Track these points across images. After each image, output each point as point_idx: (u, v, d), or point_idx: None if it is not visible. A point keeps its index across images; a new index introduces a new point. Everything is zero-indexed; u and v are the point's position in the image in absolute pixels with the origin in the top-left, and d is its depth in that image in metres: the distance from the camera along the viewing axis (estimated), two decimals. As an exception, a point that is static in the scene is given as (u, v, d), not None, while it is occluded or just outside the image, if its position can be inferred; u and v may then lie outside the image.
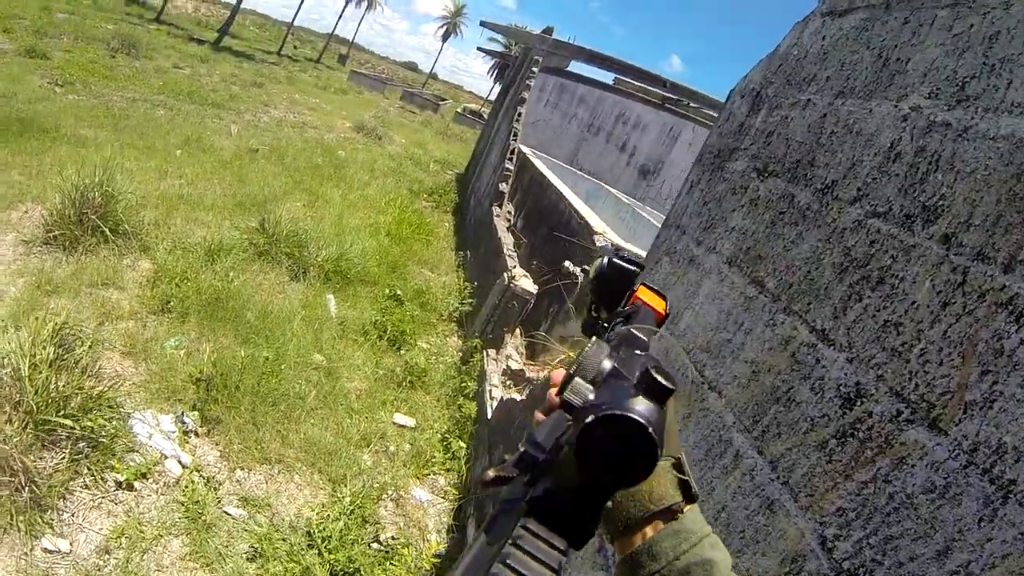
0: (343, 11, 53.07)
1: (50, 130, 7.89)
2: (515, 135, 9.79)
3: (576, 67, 14.64)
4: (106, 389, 3.50)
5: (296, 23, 48.37)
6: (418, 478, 4.31)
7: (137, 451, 3.42)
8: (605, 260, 0.93)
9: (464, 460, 4.52)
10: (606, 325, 0.89)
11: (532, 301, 5.97)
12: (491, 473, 0.49)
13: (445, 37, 72.62)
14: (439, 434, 4.79)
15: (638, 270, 0.94)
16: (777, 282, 2.02)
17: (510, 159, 9.34)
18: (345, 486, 3.84)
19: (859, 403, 1.75)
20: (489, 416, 4.60)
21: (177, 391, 3.95)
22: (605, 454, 0.45)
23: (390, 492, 4.00)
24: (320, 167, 10.74)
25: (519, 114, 10.23)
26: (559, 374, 0.66)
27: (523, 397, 4.13)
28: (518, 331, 6.42)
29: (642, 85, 14.66)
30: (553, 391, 0.64)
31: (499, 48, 46.95)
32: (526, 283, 5.85)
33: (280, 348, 4.63)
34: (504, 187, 8.94)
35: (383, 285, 6.75)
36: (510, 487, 0.49)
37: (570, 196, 8.94)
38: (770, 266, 2.06)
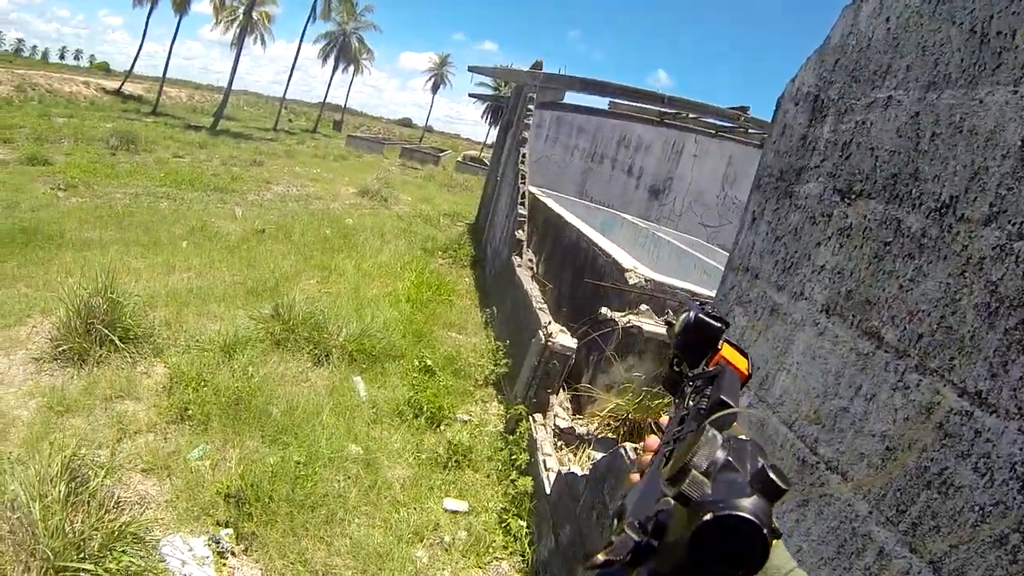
0: (331, 79, 54.08)
1: (54, 236, 7.76)
2: (522, 177, 9.55)
3: (571, 97, 14.53)
4: (129, 520, 3.18)
5: (288, 96, 49.39)
6: (480, 568, 3.91)
7: (170, 584, 3.08)
8: (692, 315, 0.92)
9: (527, 540, 4.11)
10: (689, 382, 0.87)
11: (573, 357, 5.60)
12: (601, 557, 0.51)
13: (434, 89, 73.91)
14: (495, 514, 4.39)
15: (724, 327, 0.92)
16: (899, 333, 1.65)
17: (521, 203, 9.08)
18: (404, 590, 3.47)
19: (1045, 485, 1.37)
20: (548, 491, 4.20)
21: (207, 508, 3.62)
22: (719, 551, 0.45)
23: (452, 590, 3.60)
24: (329, 239, 10.52)
25: (523, 155, 10.01)
26: (653, 441, 0.78)
27: (585, 472, 3.74)
28: (561, 389, 6.05)
29: (639, 105, 14.47)
30: (646, 458, 0.74)
31: (489, 91, 47.62)
32: (564, 339, 5.49)
33: (311, 445, 4.28)
34: (521, 234, 8.65)
35: (411, 357, 6.41)
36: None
37: (591, 233, 8.65)
38: (885, 313, 1.69)
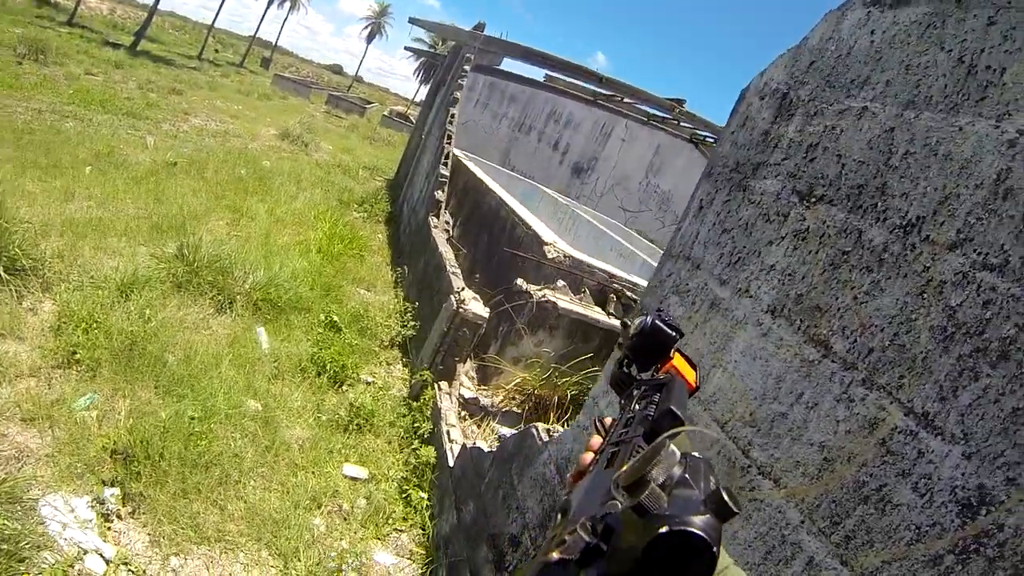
0: (265, 13, 50.67)
1: (-61, 151, 6.86)
2: (449, 138, 9.26)
3: (508, 65, 14.26)
4: (3, 477, 2.86)
5: (217, 25, 46.01)
6: (379, 539, 3.78)
7: (50, 548, 2.75)
8: (648, 320, 0.93)
9: (428, 513, 4.01)
10: (637, 386, 0.88)
11: (484, 326, 5.49)
12: (556, 555, 0.51)
13: (370, 38, 71.09)
14: (395, 483, 4.26)
15: (678, 336, 0.94)
16: (849, 344, 1.62)
17: (444, 164, 8.81)
18: (299, 560, 3.29)
19: (984, 511, 1.39)
20: (451, 464, 4.10)
21: (91, 465, 3.27)
22: (670, 563, 0.47)
23: (350, 561, 3.45)
24: (244, 180, 9.85)
25: (452, 116, 9.70)
26: (596, 441, 0.81)
27: (491, 448, 3.66)
28: (469, 358, 5.94)
29: (575, 81, 14.39)
30: (588, 456, 0.77)
31: (426, 47, 46.24)
32: (476, 307, 5.37)
33: (208, 399, 3.98)
34: (440, 195, 8.40)
35: (318, 311, 6.10)
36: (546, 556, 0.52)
37: (512, 202, 8.53)
38: (835, 322, 1.67)
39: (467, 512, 3.55)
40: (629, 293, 6.68)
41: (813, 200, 1.82)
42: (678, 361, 0.92)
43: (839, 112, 1.81)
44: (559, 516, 0.61)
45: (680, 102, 13.34)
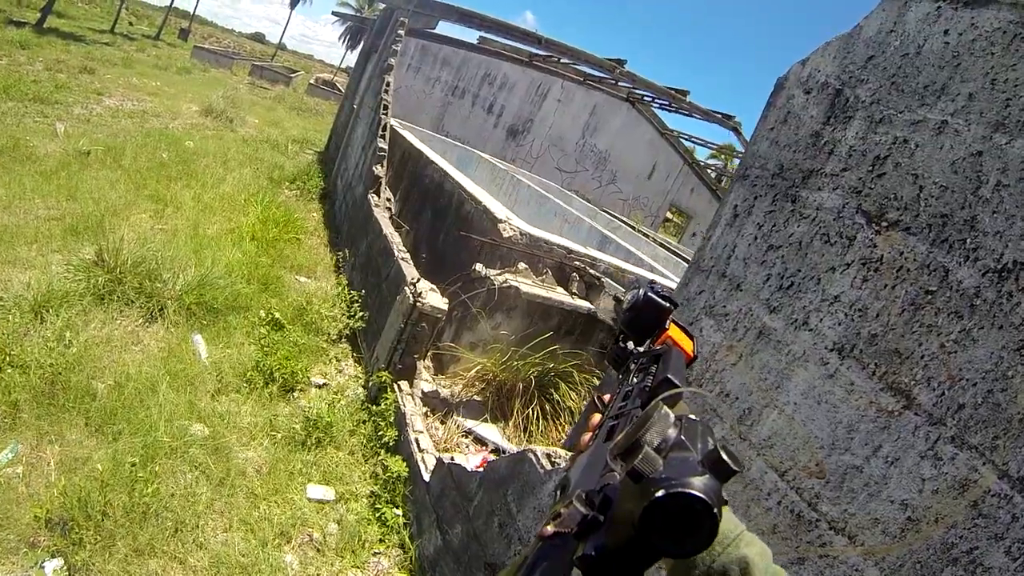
0: None
1: None
2: (385, 108, 8.67)
3: (443, 28, 13.59)
4: None
5: None
6: (358, 567, 3.47)
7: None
8: (641, 293, 0.94)
9: (406, 533, 3.73)
10: (633, 359, 0.90)
11: (444, 318, 5.16)
12: (550, 529, 0.51)
13: (293, 4, 66.94)
14: (365, 500, 3.94)
15: (672, 307, 0.94)
16: (935, 397, 1.43)
17: (382, 136, 8.25)
18: (275, 607, 2.96)
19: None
20: (426, 477, 3.81)
21: (26, 536, 2.78)
22: (669, 527, 0.46)
23: (332, 598, 3.15)
24: (166, 165, 8.95)
25: (387, 84, 9.07)
26: (597, 419, 0.77)
27: (476, 468, 3.38)
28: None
29: (511, 43, 13.87)
30: (587, 437, 0.73)
31: (352, 11, 44.10)
32: (435, 298, 5.00)
33: (147, 432, 3.50)
34: (379, 170, 7.88)
35: (257, 308, 5.59)
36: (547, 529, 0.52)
37: (458, 176, 8.12)
38: (919, 371, 1.47)
39: (454, 535, 3.28)
40: (591, 271, 6.46)
41: (885, 225, 1.58)
42: (674, 331, 0.91)
43: (912, 123, 1.57)
44: (558, 493, 0.61)
45: (621, 62, 13.07)
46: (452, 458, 3.70)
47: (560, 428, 6.01)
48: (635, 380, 0.81)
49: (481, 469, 3.28)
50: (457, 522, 3.30)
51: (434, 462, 3.92)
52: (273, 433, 4.12)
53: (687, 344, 0.90)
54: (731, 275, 1.95)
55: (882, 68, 1.68)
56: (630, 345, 0.96)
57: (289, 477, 3.81)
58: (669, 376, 0.71)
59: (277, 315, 5.56)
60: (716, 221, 2.03)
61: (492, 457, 5.20)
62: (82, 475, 3.10)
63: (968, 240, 1.43)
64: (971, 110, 1.47)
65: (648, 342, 0.92)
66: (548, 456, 2.67)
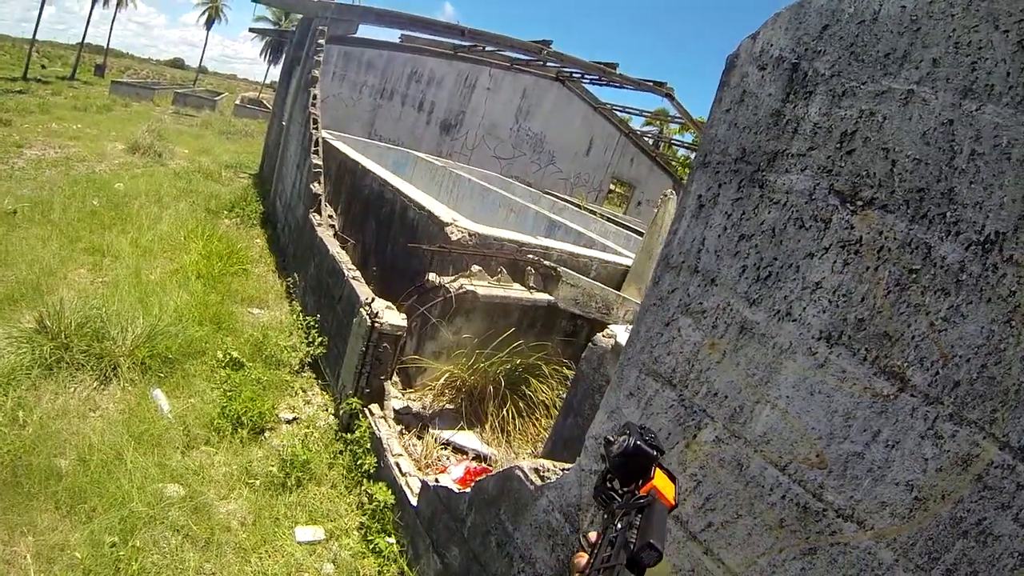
0: (91, 15, 44.18)
1: None
2: (315, 122, 8.40)
3: (364, 31, 13.26)
4: None
5: (39, 37, 39.77)
6: (362, 605, 3.37)
7: None
8: (631, 442, 0.99)
9: (404, 561, 3.64)
10: (618, 499, 0.97)
11: (404, 334, 5.03)
12: None
13: (209, 25, 64.53)
14: (355, 533, 3.83)
15: (660, 455, 1.00)
16: (930, 377, 1.42)
17: (315, 152, 7.99)
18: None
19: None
20: (414, 502, 3.71)
21: None
22: None
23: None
24: (98, 212, 8.52)
25: (314, 97, 8.79)
26: (582, 559, 0.88)
27: (463, 489, 3.29)
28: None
29: (434, 38, 13.63)
30: None
31: (270, 25, 42.89)
32: (392, 316, 4.87)
33: (121, 504, 3.32)
34: (317, 187, 7.65)
35: (213, 350, 5.36)
36: None
37: (397, 183, 7.96)
38: (911, 352, 1.47)
39: (452, 558, 3.21)
40: (546, 262, 6.41)
41: (860, 204, 1.55)
42: (659, 480, 0.96)
43: (877, 94, 1.53)
44: None
45: (546, 43, 13.00)
46: (436, 480, 3.62)
47: (537, 423, 5.99)
48: (619, 526, 0.86)
49: (468, 489, 3.20)
50: (453, 544, 3.22)
51: (419, 485, 3.83)
52: (251, 481, 3.96)
53: (670, 492, 0.94)
54: (704, 270, 1.90)
55: (839, 38, 1.64)
56: (616, 484, 1.01)
57: (275, 523, 3.67)
58: (652, 541, 0.77)
59: (235, 354, 5.37)
60: (680, 214, 1.98)
61: (475, 465, 5.13)
62: (61, 565, 2.93)
63: (948, 214, 1.41)
64: (937, 77, 1.44)
65: (634, 485, 0.96)
66: (536, 471, 2.61)
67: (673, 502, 0.94)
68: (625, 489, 0.98)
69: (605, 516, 0.95)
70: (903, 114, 1.49)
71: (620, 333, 3.54)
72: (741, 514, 1.76)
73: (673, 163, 22.36)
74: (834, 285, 1.59)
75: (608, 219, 13.46)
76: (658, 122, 27.50)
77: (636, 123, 21.21)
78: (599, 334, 3.65)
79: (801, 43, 1.73)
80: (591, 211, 13.88)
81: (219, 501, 3.73)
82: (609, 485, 1.02)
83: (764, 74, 1.79)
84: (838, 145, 1.60)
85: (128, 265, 6.71)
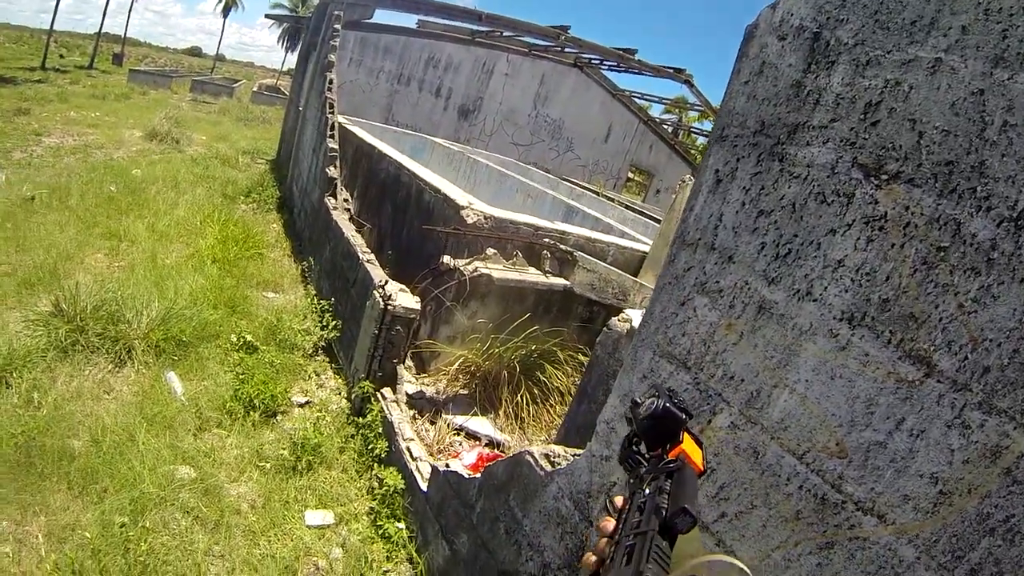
0: (107, 4, 44.24)
1: None
2: (331, 106, 8.37)
3: (380, 16, 13.19)
4: None
5: (57, 28, 39.99)
6: (369, 590, 3.35)
7: None
8: (660, 405, 0.95)
9: (412, 546, 3.61)
10: (645, 464, 0.94)
11: (418, 318, 4.99)
12: None
13: (225, 12, 64.59)
14: (365, 518, 3.81)
15: (688, 418, 0.96)
16: (958, 362, 1.34)
17: (331, 136, 7.97)
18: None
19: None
20: (424, 487, 3.68)
21: None
22: None
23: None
24: (115, 198, 8.52)
25: (330, 82, 8.76)
26: (608, 524, 0.83)
27: (474, 474, 3.24)
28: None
29: (450, 23, 13.53)
30: (603, 542, 0.80)
31: (287, 12, 42.95)
32: (405, 299, 4.83)
33: (133, 484, 3.33)
34: (333, 171, 7.62)
35: (227, 333, 5.37)
36: None
37: (413, 166, 7.90)
38: (938, 335, 1.38)
39: (461, 544, 3.17)
40: (562, 247, 6.33)
41: (885, 178, 1.46)
42: (688, 445, 0.93)
43: (903, 63, 1.44)
44: None
45: (564, 28, 12.84)
46: (447, 465, 3.58)
47: (551, 410, 5.93)
48: (647, 491, 0.83)
49: (478, 474, 3.16)
50: (462, 531, 3.19)
51: (429, 470, 3.80)
52: (262, 464, 3.96)
53: (698, 457, 0.92)
54: (721, 247, 1.82)
55: (862, 5, 1.55)
56: (642, 448, 0.98)
57: (285, 507, 3.66)
58: (686, 506, 0.74)
59: (249, 337, 5.37)
60: (697, 189, 1.89)
61: (488, 451, 5.09)
62: (72, 544, 2.93)
63: (978, 188, 1.33)
64: (966, 45, 1.35)
65: (661, 450, 0.93)
66: (547, 456, 2.56)
67: (702, 467, 0.92)
68: (651, 453, 0.96)
69: (631, 480, 0.93)
70: (930, 84, 1.40)
71: (636, 317, 3.47)
72: (756, 504, 1.69)
73: (692, 151, 22.05)
74: (857, 263, 1.51)
75: (626, 206, 13.33)
76: (677, 110, 27.14)
77: (655, 111, 21.00)
78: (614, 318, 3.58)
79: (823, 12, 1.64)
80: (609, 198, 13.75)
81: (230, 483, 3.73)
82: (635, 449, 0.99)
83: (784, 44, 1.70)
84: (862, 116, 1.52)
85: (144, 249, 6.73)
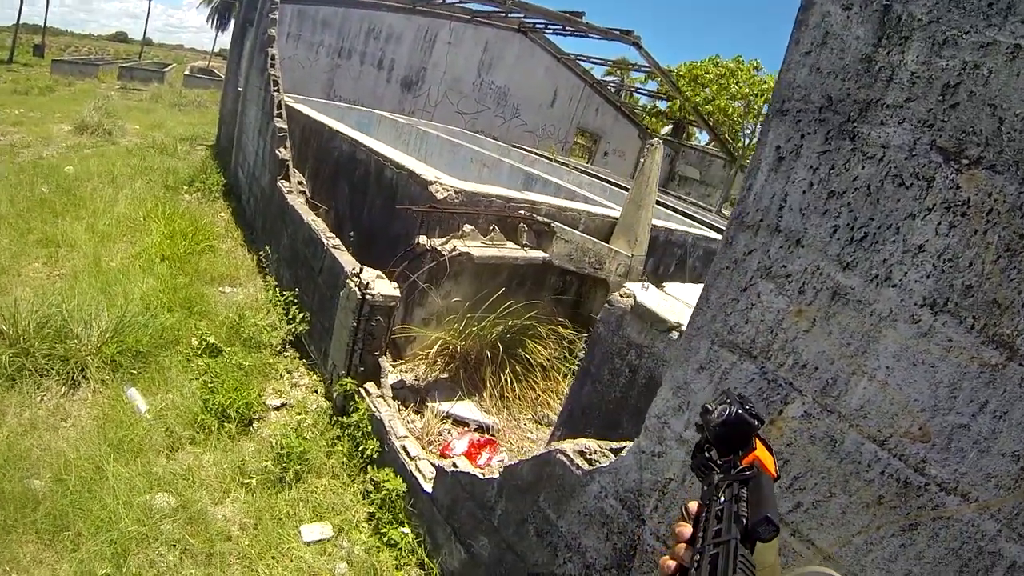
0: None
1: None
2: (275, 84, 7.87)
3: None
4: None
5: None
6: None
7: None
8: (733, 411, 0.96)
9: (423, 552, 3.45)
10: (718, 470, 0.92)
11: (398, 304, 4.74)
12: None
13: None
14: (366, 526, 3.62)
15: (760, 425, 0.97)
16: (1043, 347, 1.28)
17: (278, 115, 7.50)
18: None
19: None
20: (429, 489, 3.50)
21: None
22: None
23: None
24: (48, 200, 7.84)
25: (272, 58, 8.22)
26: (684, 529, 0.84)
27: (490, 475, 3.07)
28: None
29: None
30: (681, 547, 0.82)
31: None
32: (383, 286, 4.56)
33: (109, 523, 3.01)
34: (284, 152, 7.20)
35: (188, 336, 5.02)
36: None
37: (371, 143, 7.55)
38: (1021, 320, 1.34)
39: (481, 548, 3.02)
40: (538, 218, 6.14)
41: (966, 163, 1.37)
42: (761, 452, 0.92)
43: (981, 46, 1.33)
44: None
45: (510, -9, 12.44)
46: (455, 465, 3.40)
47: (535, 385, 5.82)
48: (723, 499, 0.83)
49: (495, 475, 2.99)
50: (480, 533, 3.03)
51: (430, 469, 3.62)
52: (246, 480, 3.69)
53: (771, 464, 0.92)
54: (787, 229, 1.68)
55: (937, -20, 1.41)
56: (714, 454, 0.97)
57: (278, 524, 3.42)
58: (769, 515, 0.74)
59: (211, 339, 5.03)
60: (755, 166, 1.73)
61: (477, 437, 4.95)
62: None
63: (1063, 179, 1.23)
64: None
65: (734, 457, 0.93)
66: (582, 454, 2.42)
67: (776, 473, 0.91)
68: (723, 460, 0.95)
69: (705, 488, 0.92)
70: (1010, 69, 1.30)
71: (639, 292, 3.33)
72: (835, 492, 1.65)
73: (638, 111, 22.01)
74: (939, 249, 1.43)
75: (581, 170, 13.20)
76: (619, 72, 26.98)
77: (597, 72, 20.78)
78: (615, 294, 3.43)
79: (894, -18, 1.49)
80: (562, 163, 13.59)
81: (214, 507, 3.44)
82: (707, 455, 0.98)
83: (850, 14, 1.54)
84: (940, 98, 1.41)
85: (86, 254, 6.23)
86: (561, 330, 6.25)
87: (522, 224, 6.04)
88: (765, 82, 18.94)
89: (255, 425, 4.31)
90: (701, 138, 27.99)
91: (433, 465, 3.63)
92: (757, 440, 0.94)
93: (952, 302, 1.41)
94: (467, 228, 5.65)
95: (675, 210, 10.88)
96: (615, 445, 2.36)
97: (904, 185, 1.45)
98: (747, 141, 19.81)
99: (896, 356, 1.50)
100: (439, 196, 5.86)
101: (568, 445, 2.49)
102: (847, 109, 1.53)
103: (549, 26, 14.93)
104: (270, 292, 6.28)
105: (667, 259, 8.28)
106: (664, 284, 3.72)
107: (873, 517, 1.57)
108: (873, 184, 1.50)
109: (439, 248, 5.40)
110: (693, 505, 0.90)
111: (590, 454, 2.40)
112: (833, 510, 1.65)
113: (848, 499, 1.62)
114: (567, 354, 6.27)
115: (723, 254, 1.81)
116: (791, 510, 1.73)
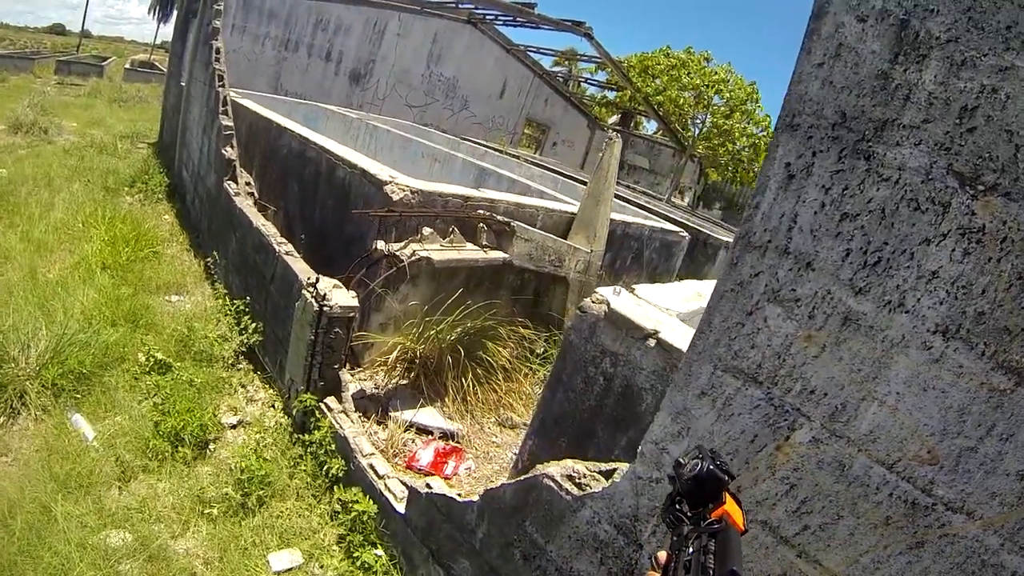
0: None
1: None
2: (220, 79, 7.49)
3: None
4: None
5: None
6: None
7: None
8: (705, 467, 1.00)
9: (398, 573, 3.32)
10: (688, 522, 0.97)
11: (357, 314, 4.56)
12: None
13: None
14: (337, 550, 3.46)
15: (730, 479, 1.01)
16: (1047, 371, 1.29)
17: (224, 112, 7.15)
18: None
19: None
20: (401, 509, 3.37)
21: None
22: None
23: None
24: None
25: (217, 51, 7.83)
26: (663, 556, 0.91)
27: (470, 498, 2.95)
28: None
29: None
30: None
31: None
32: (341, 296, 4.38)
33: (64, 573, 2.77)
34: (230, 152, 6.87)
35: (134, 352, 4.73)
36: None
37: (322, 140, 7.32)
38: (1030, 348, 1.31)
39: (462, 570, 2.91)
40: (499, 217, 6.03)
41: (982, 189, 1.33)
42: (730, 506, 0.96)
43: (999, 70, 1.29)
44: None
45: (460, -18, 12.23)
46: (428, 486, 3.27)
47: (497, 387, 5.74)
48: (691, 550, 0.86)
49: (474, 499, 2.88)
50: (461, 556, 2.93)
51: (401, 488, 3.48)
52: (207, 510, 3.48)
53: (739, 518, 0.94)
54: (796, 251, 1.62)
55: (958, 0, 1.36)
56: (684, 507, 1.00)
57: (244, 555, 3.24)
58: (735, 569, 0.77)
59: (159, 355, 4.75)
60: (763, 184, 1.66)
61: (443, 445, 4.84)
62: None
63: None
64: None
65: (704, 510, 0.96)
66: (571, 479, 2.34)
67: (743, 528, 0.94)
68: (693, 512, 0.98)
69: (674, 538, 0.95)
70: None
71: (612, 298, 3.27)
72: (842, 515, 1.66)
73: (586, 101, 22.07)
74: (953, 275, 1.40)
75: (532, 162, 13.13)
76: (567, 62, 27.01)
77: (545, 63, 20.76)
78: (587, 300, 3.36)
79: (913, -2, 1.44)
80: (512, 155, 13.50)
81: (174, 540, 3.24)
82: (678, 507, 1.01)
83: (865, 27, 1.48)
84: (957, 120, 1.37)
85: (21, 265, 5.80)
86: (522, 330, 6.18)
87: (481, 224, 5.93)
88: (716, 73, 19.27)
89: (211, 447, 4.09)
90: (649, 127, 28.33)
91: (405, 485, 3.50)
92: (727, 494, 0.98)
93: (964, 329, 1.41)
94: (426, 231, 5.50)
95: (629, 201, 10.93)
96: (604, 467, 2.30)
97: (920, 209, 1.41)
98: (696, 131, 20.13)
99: (907, 382, 1.49)
100: (395, 197, 5.68)
101: (555, 469, 2.40)
102: (862, 127, 1.48)
103: (500, 17, 14.81)
104: (220, 301, 5.99)
105: (624, 252, 8.30)
106: (635, 287, 3.68)
107: (880, 537, 1.59)
108: (888, 207, 1.45)
109: (397, 253, 5.24)
110: (662, 555, 0.94)
111: (579, 478, 2.33)
112: (841, 531, 1.65)
113: (856, 521, 1.62)
114: (528, 354, 6.21)
115: (727, 275, 1.74)
116: (798, 533, 1.72)
